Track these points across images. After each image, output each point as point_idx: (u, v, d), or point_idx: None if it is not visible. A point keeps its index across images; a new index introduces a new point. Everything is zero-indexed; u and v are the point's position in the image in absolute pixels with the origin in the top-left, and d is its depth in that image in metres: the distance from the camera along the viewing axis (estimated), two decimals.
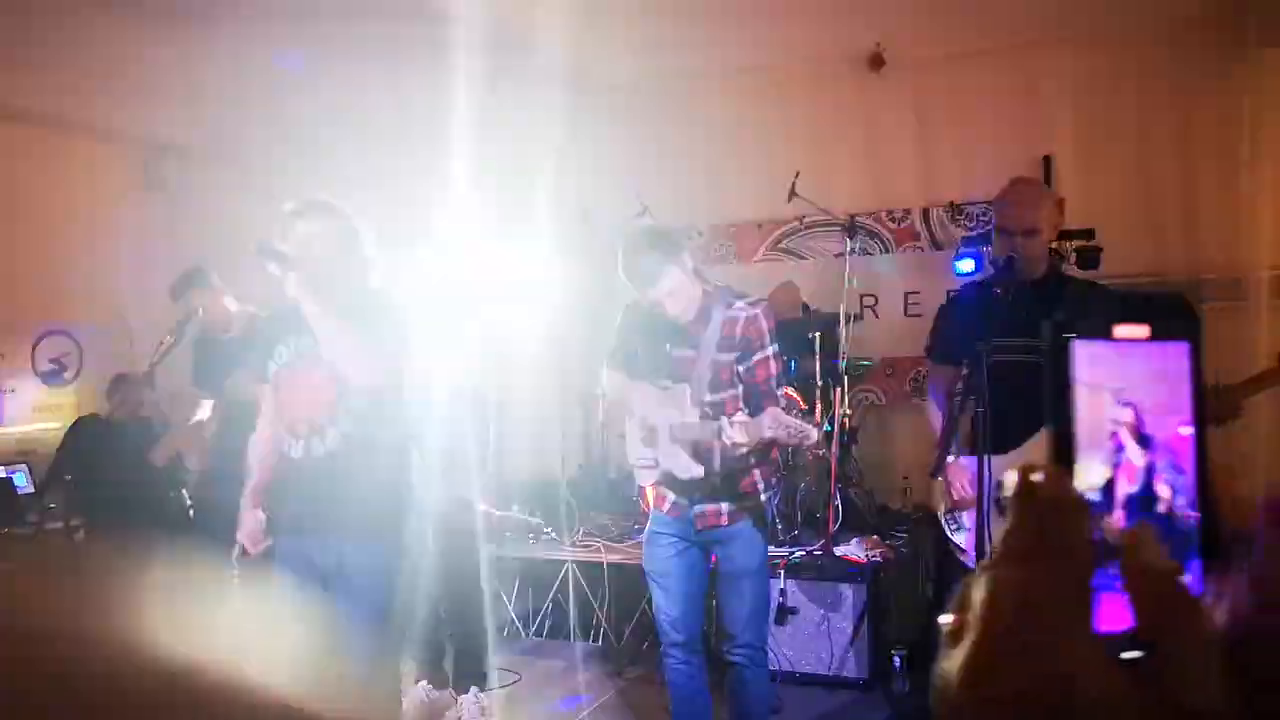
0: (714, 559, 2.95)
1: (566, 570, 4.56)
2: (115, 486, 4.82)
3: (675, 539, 2.91)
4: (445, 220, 6.23)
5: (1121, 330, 0.54)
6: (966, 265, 5.09)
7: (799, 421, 2.50)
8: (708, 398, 2.77)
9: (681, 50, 6.03)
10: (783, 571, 4.12)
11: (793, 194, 4.89)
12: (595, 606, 4.47)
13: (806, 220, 5.78)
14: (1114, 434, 0.55)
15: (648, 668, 4.10)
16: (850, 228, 4.72)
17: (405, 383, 2.71)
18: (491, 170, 6.34)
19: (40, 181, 6.49)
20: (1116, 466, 0.55)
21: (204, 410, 4.05)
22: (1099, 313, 2.81)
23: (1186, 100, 5.20)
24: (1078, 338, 0.55)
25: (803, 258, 5.93)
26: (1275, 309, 4.85)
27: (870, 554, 4.15)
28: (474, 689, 3.82)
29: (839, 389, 4.62)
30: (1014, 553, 0.53)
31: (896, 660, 3.80)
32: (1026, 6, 5.27)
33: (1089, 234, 5.03)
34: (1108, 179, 5.33)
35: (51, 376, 6.59)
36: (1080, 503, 0.53)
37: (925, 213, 5.70)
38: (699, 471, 2.77)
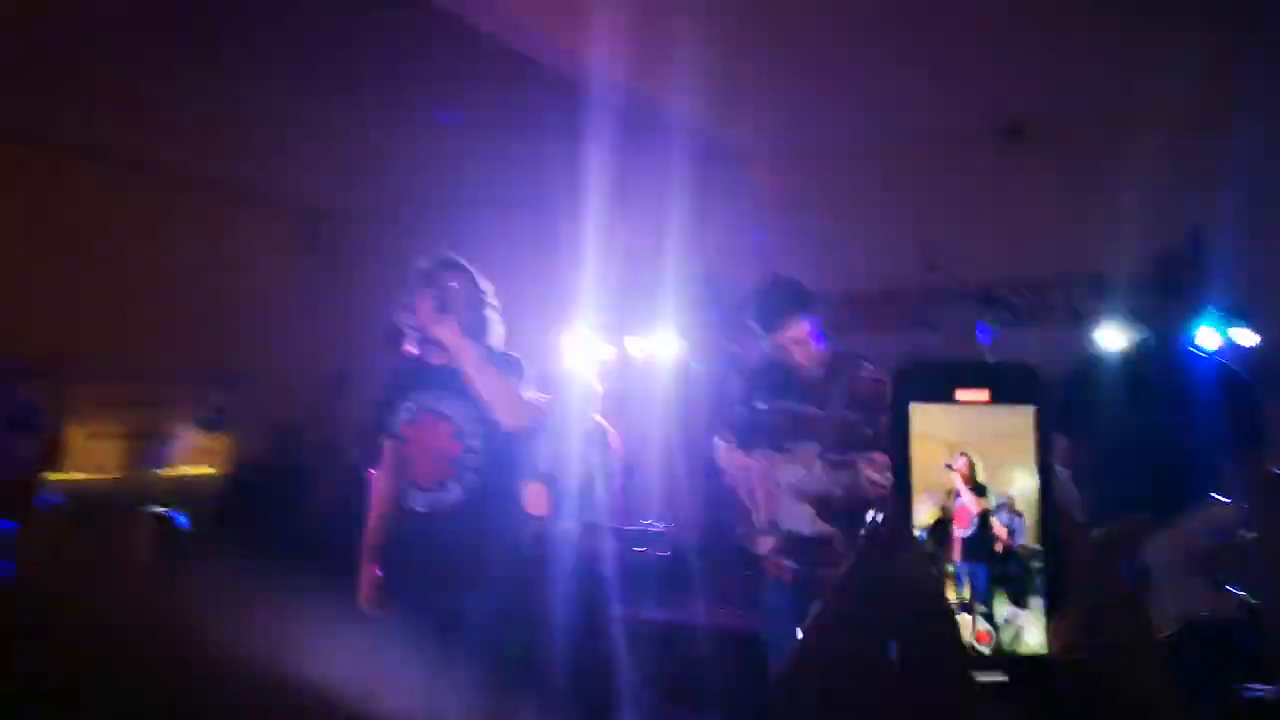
0: None
1: (691, 634, 4.56)
2: (277, 530, 5.13)
3: (796, 613, 2.83)
4: (580, 285, 6.45)
5: (963, 395, 0.63)
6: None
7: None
8: (834, 456, 2.73)
9: (815, 120, 6.12)
10: None
11: (932, 263, 4.85)
12: (720, 673, 4.44)
13: (940, 291, 5.73)
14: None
15: None
16: (986, 298, 4.67)
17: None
18: (623, 235, 6.53)
19: (205, 242, 7.03)
20: (956, 510, 0.65)
21: None
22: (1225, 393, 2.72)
23: None
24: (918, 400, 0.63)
25: (935, 328, 5.86)
26: None
27: None
28: None
29: None
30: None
31: None
32: (1174, 75, 5.17)
33: (1241, 310, 4.84)
34: (1262, 248, 5.11)
35: (210, 423, 7.03)
36: (889, 544, 0.62)
37: (1066, 284, 5.58)
38: (826, 529, 2.71)
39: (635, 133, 5.76)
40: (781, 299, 2.79)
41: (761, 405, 2.93)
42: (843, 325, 6.04)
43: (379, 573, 2.85)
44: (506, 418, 2.63)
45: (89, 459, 6.18)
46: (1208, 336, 4.78)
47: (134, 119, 5.92)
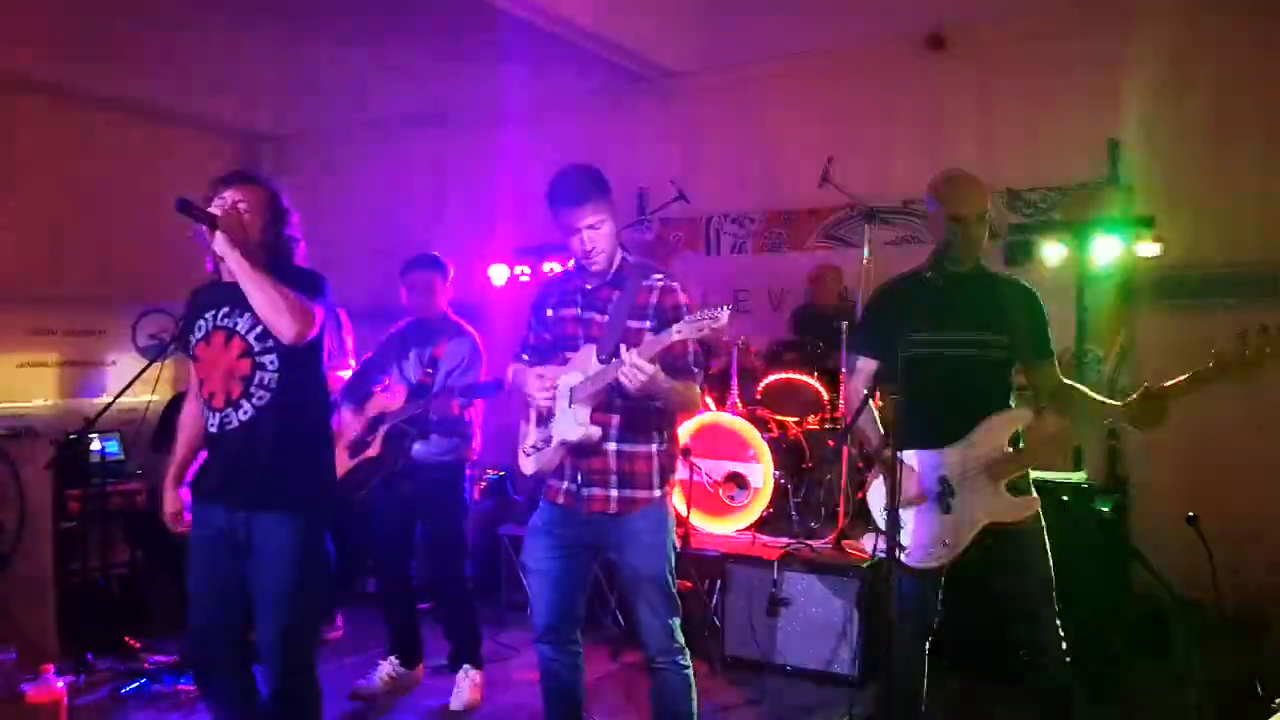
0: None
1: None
2: None
3: (559, 537, 2.77)
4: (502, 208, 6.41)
5: None
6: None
7: (703, 312, 2.35)
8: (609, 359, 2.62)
9: (739, 34, 5.99)
10: (776, 562, 4.09)
11: (824, 179, 4.79)
12: (607, 591, 4.52)
13: (859, 208, 5.65)
14: None
15: None
16: (869, 215, 4.64)
17: (320, 354, 2.79)
18: (547, 155, 6.45)
19: (144, 169, 6.99)
20: None
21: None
22: (1023, 309, 2.72)
23: (1267, 79, 4.82)
24: None
25: (855, 245, 5.79)
26: None
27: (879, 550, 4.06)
28: (465, 666, 3.92)
29: None
30: None
31: None
32: None
33: (1148, 222, 4.74)
34: (1177, 164, 4.99)
35: (151, 352, 7.09)
36: None
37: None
38: (595, 433, 2.63)
39: (551, 52, 5.67)
40: (583, 180, 2.69)
41: (550, 313, 2.85)
42: (767, 244, 6.10)
43: (180, 496, 2.88)
44: (282, 326, 2.56)
45: (22, 388, 6.27)
46: (1109, 246, 4.72)
47: (81, 54, 5.95)
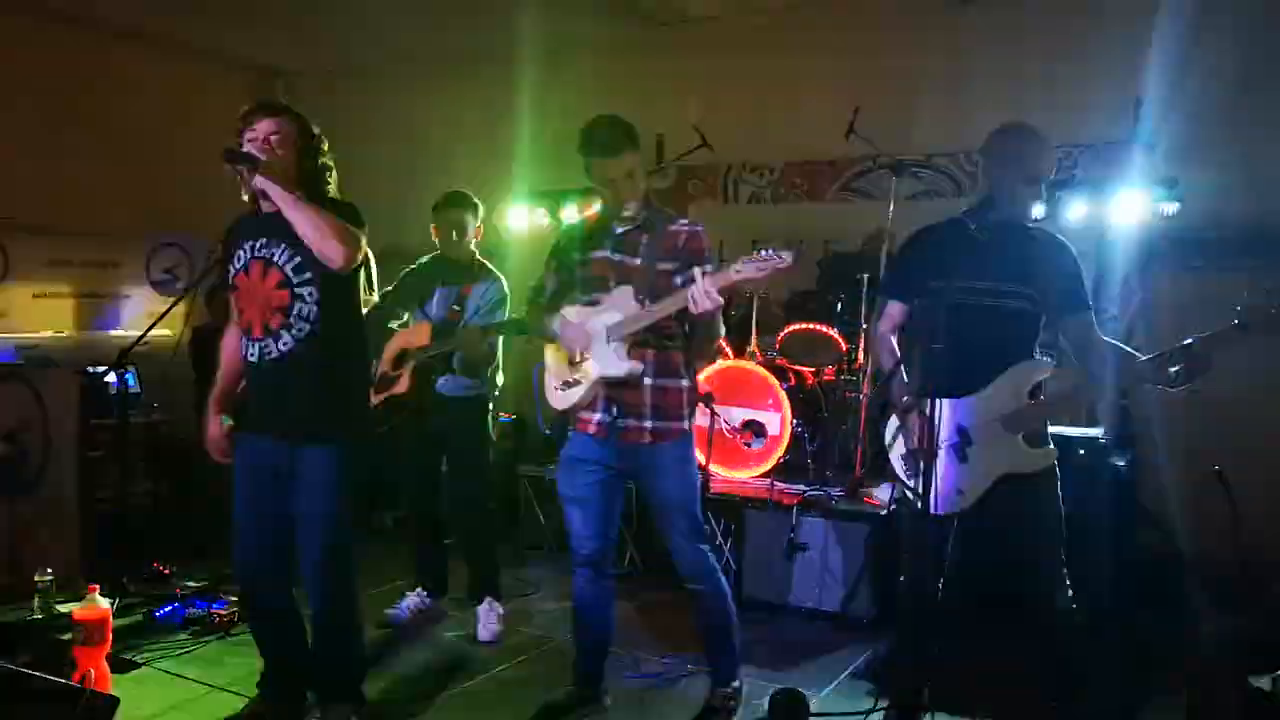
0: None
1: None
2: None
3: (593, 466, 2.90)
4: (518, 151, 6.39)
5: None
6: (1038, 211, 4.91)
7: (769, 251, 2.47)
8: (650, 304, 2.76)
9: None
10: (795, 507, 4.17)
11: (851, 131, 4.78)
12: (624, 530, 4.59)
13: (880, 160, 5.64)
14: None
15: (671, 591, 4.19)
16: (897, 168, 4.63)
17: (357, 287, 2.85)
18: (564, 99, 6.41)
19: (158, 102, 6.94)
20: None
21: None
22: (1058, 263, 2.72)
23: None
24: None
25: (873, 198, 5.79)
26: None
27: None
28: (488, 598, 4.01)
29: None
30: None
31: None
32: None
33: (1170, 181, 4.76)
34: (1200, 123, 4.98)
35: (164, 285, 7.09)
36: None
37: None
38: (638, 368, 2.77)
39: None
40: (616, 129, 2.78)
41: (579, 256, 2.95)
42: (786, 194, 6.10)
43: (229, 422, 2.91)
44: (332, 251, 2.59)
45: (38, 318, 6.28)
46: (1129, 205, 4.74)
47: None
